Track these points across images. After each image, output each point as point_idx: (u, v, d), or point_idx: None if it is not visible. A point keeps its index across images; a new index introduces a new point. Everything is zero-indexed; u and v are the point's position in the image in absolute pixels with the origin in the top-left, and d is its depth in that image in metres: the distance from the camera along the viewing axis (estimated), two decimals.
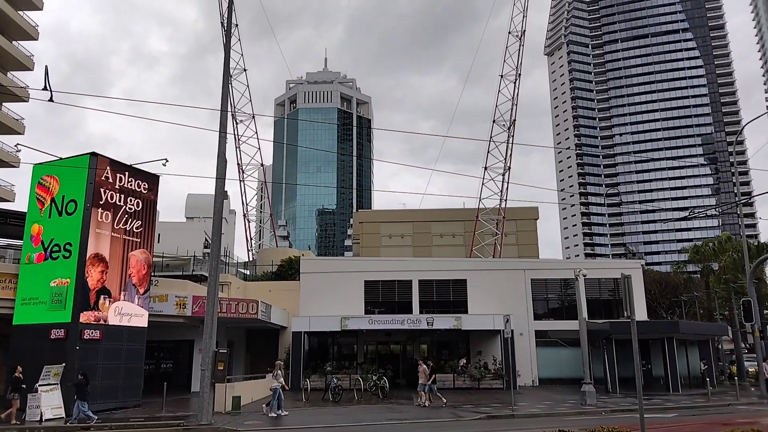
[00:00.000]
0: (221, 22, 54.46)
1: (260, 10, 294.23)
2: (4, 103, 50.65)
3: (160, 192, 27.53)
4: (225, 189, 19.67)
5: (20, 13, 49.67)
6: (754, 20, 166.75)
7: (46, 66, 12.24)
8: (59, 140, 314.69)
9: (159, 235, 33.45)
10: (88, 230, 21.59)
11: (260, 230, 74.69)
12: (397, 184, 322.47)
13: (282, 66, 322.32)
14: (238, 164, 58.89)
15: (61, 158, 22.71)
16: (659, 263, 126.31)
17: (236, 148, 58.80)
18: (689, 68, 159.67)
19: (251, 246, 60.09)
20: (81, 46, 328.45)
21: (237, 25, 55.04)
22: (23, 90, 47.52)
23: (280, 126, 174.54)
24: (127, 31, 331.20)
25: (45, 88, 12.23)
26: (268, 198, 66.34)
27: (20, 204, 54.01)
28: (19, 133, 51.21)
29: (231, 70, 36.83)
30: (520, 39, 56.58)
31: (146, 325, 23.39)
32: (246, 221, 60.09)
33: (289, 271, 42.54)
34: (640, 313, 32.99)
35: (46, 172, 22.88)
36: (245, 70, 58.21)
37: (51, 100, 12.34)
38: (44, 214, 22.43)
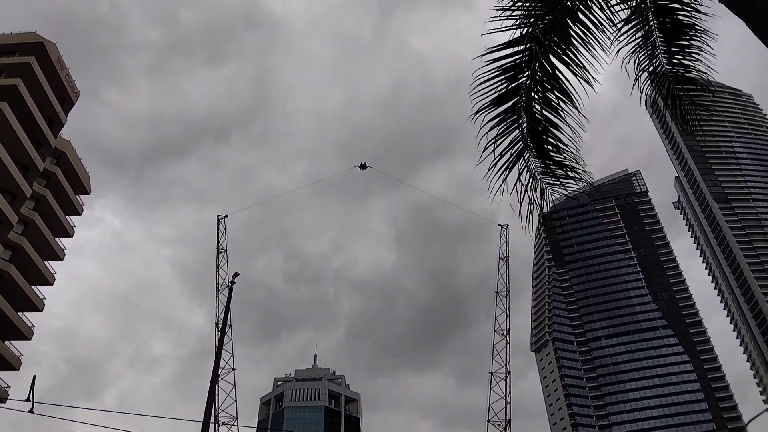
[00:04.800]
0: (216, 323, 56.05)
1: (265, 314, 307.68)
2: None
3: None
4: None
5: (20, 314, 51.12)
6: (729, 319, 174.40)
7: (34, 377, 12.19)
8: None
9: None
10: None
11: None
12: None
13: (278, 367, 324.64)
14: None
15: None
16: None
17: None
18: (677, 363, 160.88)
19: None
20: (85, 350, 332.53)
21: (231, 325, 56.61)
22: (3, 391, 46.24)
23: (264, 425, 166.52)
24: (132, 334, 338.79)
25: (28, 399, 11.97)
26: None
27: None
28: None
29: (220, 370, 36.79)
30: (505, 337, 58.15)
31: None
32: None
33: None
34: None
35: None
36: (234, 369, 57.99)
37: (31, 411, 11.98)
38: None
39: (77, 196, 57.79)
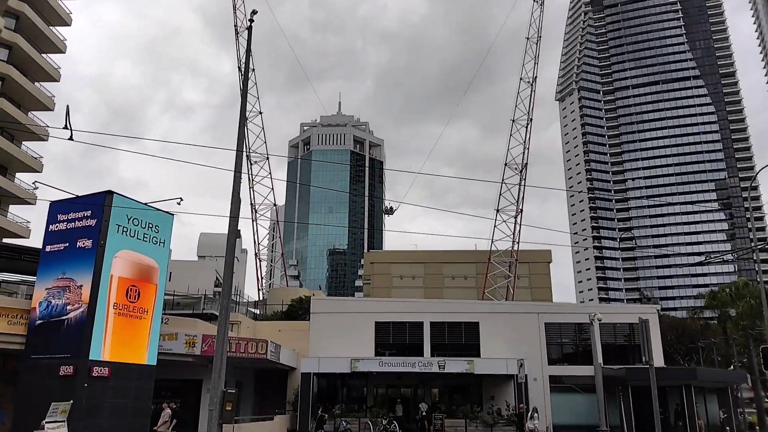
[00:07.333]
0: (238, 67, 55.69)
1: (293, 64, 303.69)
2: (24, 142, 51.68)
3: (175, 231, 27.67)
4: (238, 228, 19.69)
5: (43, 55, 51.11)
6: (765, 72, 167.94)
7: (68, 106, 12.54)
8: (92, 183, 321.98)
9: (170, 273, 33.48)
10: (101, 267, 21.68)
11: (271, 269, 74.67)
12: (416, 226, 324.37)
13: (307, 116, 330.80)
14: (251, 204, 59.33)
15: (77, 196, 22.95)
16: (675, 309, 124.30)
17: (250, 188, 59.32)
18: (701, 114, 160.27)
19: (262, 285, 60.00)
20: (120, 95, 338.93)
21: (254, 69, 56.17)
22: (42, 129, 48.54)
23: (294, 167, 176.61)
24: (164, 81, 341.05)
25: (65, 127, 12.51)
26: (279, 237, 66.52)
27: (35, 240, 54.48)
28: (37, 171, 52.00)
29: (247, 113, 37.47)
30: (531, 85, 57.33)
31: (155, 363, 23.19)
32: (257, 260, 60.22)
33: (299, 311, 42.26)
34: (657, 359, 32.19)
35: (62, 209, 23.13)
36: (260, 112, 59.28)
37: (71, 138, 12.61)
38: None
39: None
